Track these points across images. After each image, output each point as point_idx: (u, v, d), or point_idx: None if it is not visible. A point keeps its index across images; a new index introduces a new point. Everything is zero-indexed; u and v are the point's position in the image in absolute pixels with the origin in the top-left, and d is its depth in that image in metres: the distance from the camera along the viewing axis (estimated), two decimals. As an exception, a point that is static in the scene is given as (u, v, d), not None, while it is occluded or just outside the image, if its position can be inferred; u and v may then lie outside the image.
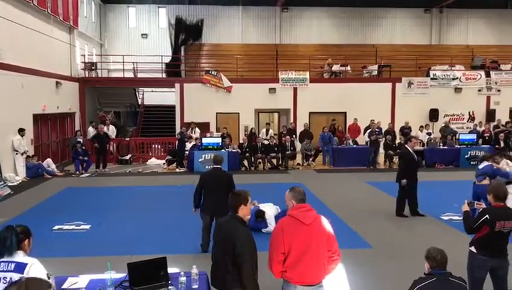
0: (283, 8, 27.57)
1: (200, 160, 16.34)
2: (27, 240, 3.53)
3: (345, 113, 21.21)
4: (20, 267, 3.33)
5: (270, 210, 8.84)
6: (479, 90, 22.07)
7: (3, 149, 13.78)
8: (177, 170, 16.89)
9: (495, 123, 20.01)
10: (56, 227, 9.06)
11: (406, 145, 10.26)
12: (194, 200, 7.42)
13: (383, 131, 18.00)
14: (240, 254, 3.78)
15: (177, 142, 17.58)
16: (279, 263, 3.86)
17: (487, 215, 4.73)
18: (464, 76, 22.08)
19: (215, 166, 7.53)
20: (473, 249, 4.94)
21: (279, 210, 8.96)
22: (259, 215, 8.55)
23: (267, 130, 19.45)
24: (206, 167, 15.05)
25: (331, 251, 3.92)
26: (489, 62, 23.50)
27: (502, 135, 17.98)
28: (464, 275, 4.32)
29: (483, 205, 5.26)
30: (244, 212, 4.05)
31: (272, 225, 8.33)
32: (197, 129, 18.72)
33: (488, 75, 22.22)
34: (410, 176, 9.78)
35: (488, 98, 22.13)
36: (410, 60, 23.42)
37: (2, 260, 3.37)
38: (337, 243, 3.98)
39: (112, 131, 19.01)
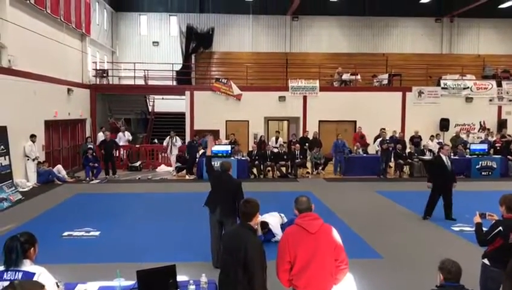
0: (293, 17, 27.66)
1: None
2: (32, 248, 3.49)
3: (355, 122, 21.13)
4: (28, 276, 3.30)
5: (273, 220, 8.79)
6: (490, 100, 21.91)
7: (15, 155, 13.89)
8: (187, 177, 16.92)
9: (502, 133, 19.79)
10: (66, 233, 9.09)
11: (440, 153, 10.73)
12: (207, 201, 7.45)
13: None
14: (251, 263, 3.76)
15: (186, 149, 17.64)
16: (285, 271, 3.89)
17: (500, 228, 4.67)
18: (475, 85, 21.94)
19: (222, 172, 7.46)
20: (486, 261, 4.88)
21: (285, 219, 8.92)
22: (263, 227, 8.48)
23: (277, 138, 19.44)
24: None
25: (339, 260, 3.91)
26: (500, 72, 23.33)
27: (512, 145, 17.81)
28: (476, 287, 4.27)
29: (496, 217, 5.20)
30: (256, 221, 4.09)
31: (278, 234, 8.29)
32: (177, 138, 18.31)
33: (499, 84, 22.06)
34: (443, 182, 10.11)
35: (500, 108, 21.95)
36: (420, 69, 23.34)
37: (10, 268, 3.37)
38: (344, 253, 3.96)
39: (127, 136, 19.56)
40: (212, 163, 7.78)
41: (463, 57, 27.27)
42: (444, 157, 10.38)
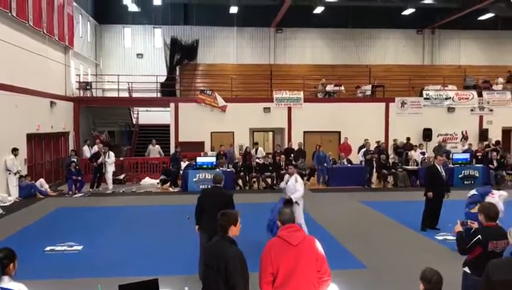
0: (277, 29, 27.89)
1: (194, 179, 16.30)
2: (12, 264, 3.45)
3: (339, 132, 21.28)
4: None
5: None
6: (472, 110, 22.27)
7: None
8: (171, 189, 16.83)
9: (486, 143, 20.11)
10: (48, 248, 8.96)
11: (434, 162, 10.96)
12: (195, 218, 7.28)
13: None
14: (232, 274, 3.76)
15: (170, 161, 17.59)
16: (268, 283, 3.88)
17: (479, 236, 4.72)
18: (457, 96, 22.30)
19: (214, 185, 7.46)
20: (466, 269, 4.93)
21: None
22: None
23: (256, 149, 19.44)
24: (201, 186, 14.96)
25: (321, 271, 3.92)
26: (481, 82, 23.75)
27: (494, 154, 18.07)
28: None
29: (476, 225, 5.26)
30: (234, 232, 4.07)
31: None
32: (111, 153, 17.48)
33: (480, 95, 22.44)
34: (436, 191, 10.19)
35: (481, 118, 22.31)
36: (403, 80, 23.65)
37: None
38: (327, 264, 3.98)
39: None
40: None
41: (444, 68, 27.72)
42: (438, 167, 10.52)
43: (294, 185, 9.05)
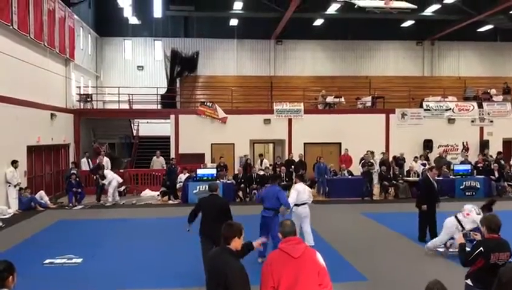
0: (277, 41, 28.02)
1: (194, 191, 16.25)
2: (11, 276, 3.44)
3: (340, 144, 21.24)
4: None
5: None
6: (472, 121, 22.26)
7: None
8: (171, 201, 16.77)
9: (484, 154, 20.07)
10: (47, 261, 8.89)
11: (428, 174, 11.06)
12: (189, 217, 7.43)
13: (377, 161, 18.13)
14: (232, 287, 3.73)
15: (166, 174, 17.56)
16: None
17: (481, 248, 4.69)
18: (457, 107, 22.31)
19: (211, 193, 7.55)
20: (469, 281, 4.88)
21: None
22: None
23: (262, 161, 19.45)
24: (198, 196, 14.92)
25: (323, 285, 3.88)
26: (481, 93, 23.78)
27: (495, 165, 18.05)
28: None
29: (479, 236, 5.22)
30: (237, 244, 4.03)
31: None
32: (106, 159, 18.45)
33: (480, 106, 22.46)
34: (429, 202, 10.30)
35: (482, 129, 22.30)
36: (403, 92, 23.69)
37: None
38: (328, 277, 3.95)
39: (106, 162, 18.92)
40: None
41: (444, 79, 27.80)
42: (431, 178, 10.70)
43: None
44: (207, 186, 8.01)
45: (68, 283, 7.62)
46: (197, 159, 19.56)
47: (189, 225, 7.45)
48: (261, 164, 19.09)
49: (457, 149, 21.91)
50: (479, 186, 17.33)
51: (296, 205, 9.48)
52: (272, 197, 8.68)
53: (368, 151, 18.60)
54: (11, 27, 14.43)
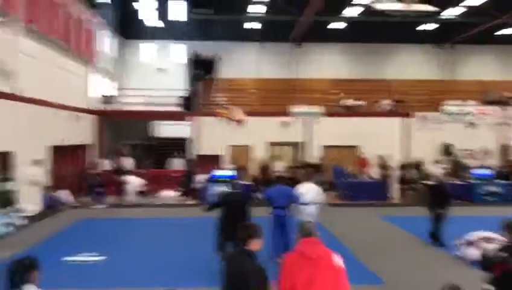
0: (296, 44, 28.06)
1: (213, 192, 16.37)
2: (35, 272, 3.58)
3: (359, 147, 21.20)
4: None
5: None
6: (493, 126, 21.98)
7: (21, 180, 14.00)
8: (190, 202, 16.96)
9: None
10: (70, 258, 9.14)
11: (441, 178, 11.38)
12: (209, 207, 8.15)
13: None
14: (252, 289, 3.74)
15: (185, 174, 17.83)
16: None
17: (501, 253, 4.69)
18: (478, 111, 22.06)
19: (234, 191, 7.94)
20: (488, 286, 4.88)
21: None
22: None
23: (278, 163, 19.55)
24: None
25: (340, 286, 3.92)
26: (503, 97, 23.43)
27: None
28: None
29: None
30: (255, 246, 3.98)
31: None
32: (130, 160, 19.01)
33: (501, 110, 22.15)
34: (441, 206, 10.37)
35: (503, 133, 21.99)
36: (423, 95, 23.49)
37: None
38: (346, 278, 3.98)
39: (130, 164, 19.41)
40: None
41: (465, 83, 27.46)
42: (444, 183, 10.93)
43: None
44: (227, 187, 8.56)
45: (91, 280, 7.84)
46: (215, 160, 19.73)
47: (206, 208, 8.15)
48: (278, 166, 19.17)
49: (478, 154, 21.64)
50: (501, 192, 17.04)
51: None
52: (283, 196, 9.06)
53: (379, 156, 18.54)
54: (36, 30, 14.80)
